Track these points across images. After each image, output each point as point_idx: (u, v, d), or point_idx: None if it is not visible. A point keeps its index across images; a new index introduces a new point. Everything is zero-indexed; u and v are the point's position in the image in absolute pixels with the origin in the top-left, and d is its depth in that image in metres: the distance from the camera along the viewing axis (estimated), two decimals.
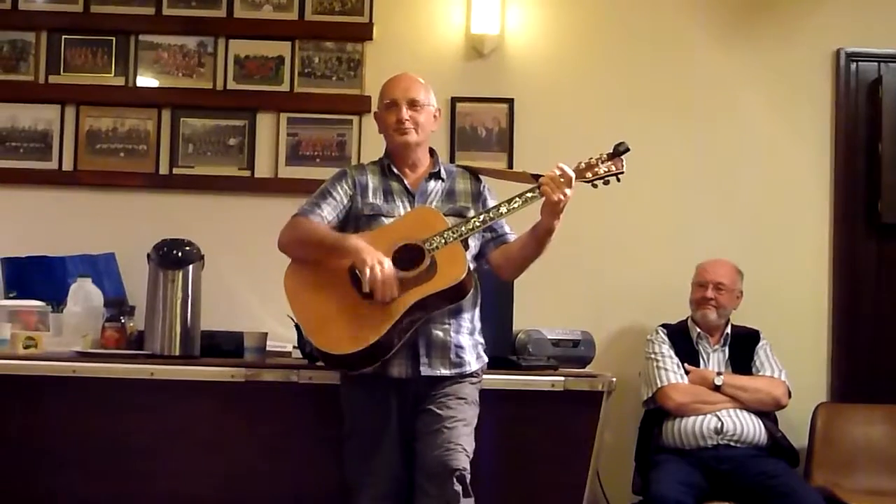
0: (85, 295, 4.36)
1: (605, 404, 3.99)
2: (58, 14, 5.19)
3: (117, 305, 4.36)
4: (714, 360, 4.81)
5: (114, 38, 5.19)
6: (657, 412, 4.70)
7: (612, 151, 3.65)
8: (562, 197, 3.52)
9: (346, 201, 3.79)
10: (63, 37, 5.19)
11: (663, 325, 4.89)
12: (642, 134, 5.06)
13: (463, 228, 3.61)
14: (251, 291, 4.94)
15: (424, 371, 3.63)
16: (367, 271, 3.48)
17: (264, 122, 5.18)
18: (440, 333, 3.65)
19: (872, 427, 4.98)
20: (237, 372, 3.93)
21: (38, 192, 5.12)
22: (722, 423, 4.58)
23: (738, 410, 4.63)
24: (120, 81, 5.19)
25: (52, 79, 5.18)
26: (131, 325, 4.32)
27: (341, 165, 4.89)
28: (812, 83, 5.27)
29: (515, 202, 3.61)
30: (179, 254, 4.16)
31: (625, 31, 5.25)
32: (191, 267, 4.16)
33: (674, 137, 5.18)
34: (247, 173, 5.15)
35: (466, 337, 3.72)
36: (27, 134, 5.15)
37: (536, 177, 3.64)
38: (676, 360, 4.75)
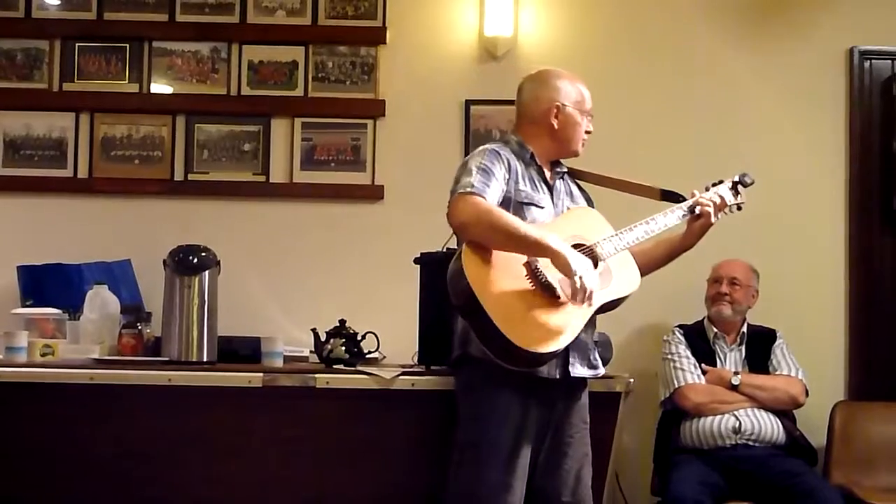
0: (101, 302, 4.38)
1: (623, 405, 3.98)
2: (71, 21, 5.19)
3: (134, 312, 4.38)
4: (731, 359, 4.80)
5: (127, 45, 5.19)
6: (675, 413, 4.69)
7: (737, 180, 3.81)
8: (715, 220, 3.70)
9: (504, 186, 3.50)
10: (77, 44, 5.19)
11: (680, 326, 4.88)
12: (656, 134, 5.09)
13: (629, 238, 3.58)
14: (267, 296, 4.96)
15: (574, 372, 3.54)
16: (578, 281, 3.30)
17: (279, 127, 5.17)
18: (583, 334, 3.52)
19: (891, 425, 4.95)
20: (254, 377, 3.91)
21: (53, 199, 5.12)
22: (740, 423, 4.57)
23: (755, 410, 4.61)
24: (134, 88, 5.19)
25: (67, 86, 5.19)
26: (148, 331, 4.33)
27: (356, 169, 4.95)
28: (826, 81, 5.25)
29: (674, 220, 3.71)
30: (195, 260, 4.17)
31: (638, 33, 5.24)
32: (207, 273, 4.17)
33: (688, 137, 5.16)
34: (262, 178, 5.14)
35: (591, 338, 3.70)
36: (42, 142, 5.16)
37: (667, 193, 3.78)
38: (693, 360, 4.74)
